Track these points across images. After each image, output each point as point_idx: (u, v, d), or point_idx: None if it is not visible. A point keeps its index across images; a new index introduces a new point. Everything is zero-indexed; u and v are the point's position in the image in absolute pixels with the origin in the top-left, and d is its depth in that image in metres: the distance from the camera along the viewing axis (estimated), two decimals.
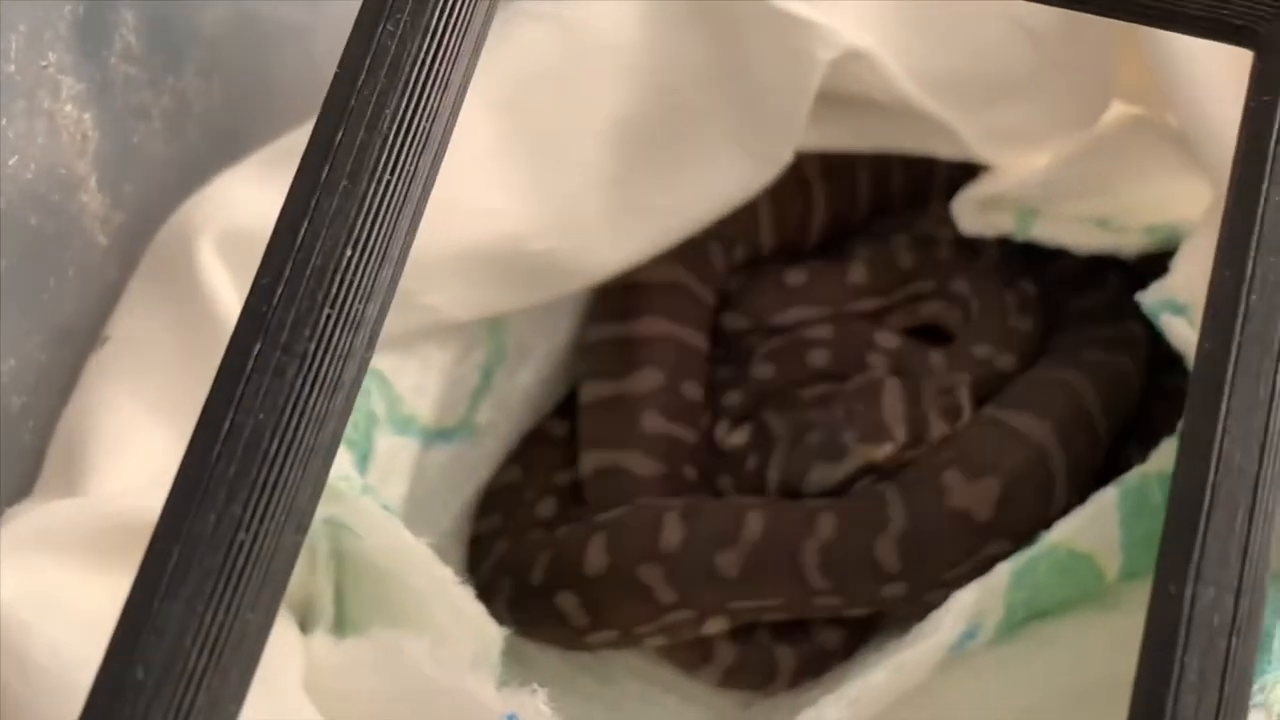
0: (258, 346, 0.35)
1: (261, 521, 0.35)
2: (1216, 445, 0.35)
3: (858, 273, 0.69)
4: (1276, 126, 0.38)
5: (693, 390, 0.67)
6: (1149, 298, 0.58)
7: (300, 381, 0.35)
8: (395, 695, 0.49)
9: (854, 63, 0.58)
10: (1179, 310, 0.57)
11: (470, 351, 0.63)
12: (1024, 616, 0.60)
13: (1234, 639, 0.34)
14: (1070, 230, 0.64)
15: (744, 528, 0.60)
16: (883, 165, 0.71)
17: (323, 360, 0.36)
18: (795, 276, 0.70)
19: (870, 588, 0.60)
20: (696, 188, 0.60)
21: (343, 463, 0.54)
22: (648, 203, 0.59)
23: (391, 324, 0.57)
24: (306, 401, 0.35)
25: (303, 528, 0.36)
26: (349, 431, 0.55)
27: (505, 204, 0.57)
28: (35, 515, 0.48)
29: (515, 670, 0.67)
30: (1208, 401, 0.36)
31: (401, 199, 0.37)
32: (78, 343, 0.53)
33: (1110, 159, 0.62)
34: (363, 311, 0.37)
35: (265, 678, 0.49)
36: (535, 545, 0.63)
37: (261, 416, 0.35)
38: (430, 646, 0.48)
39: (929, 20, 0.59)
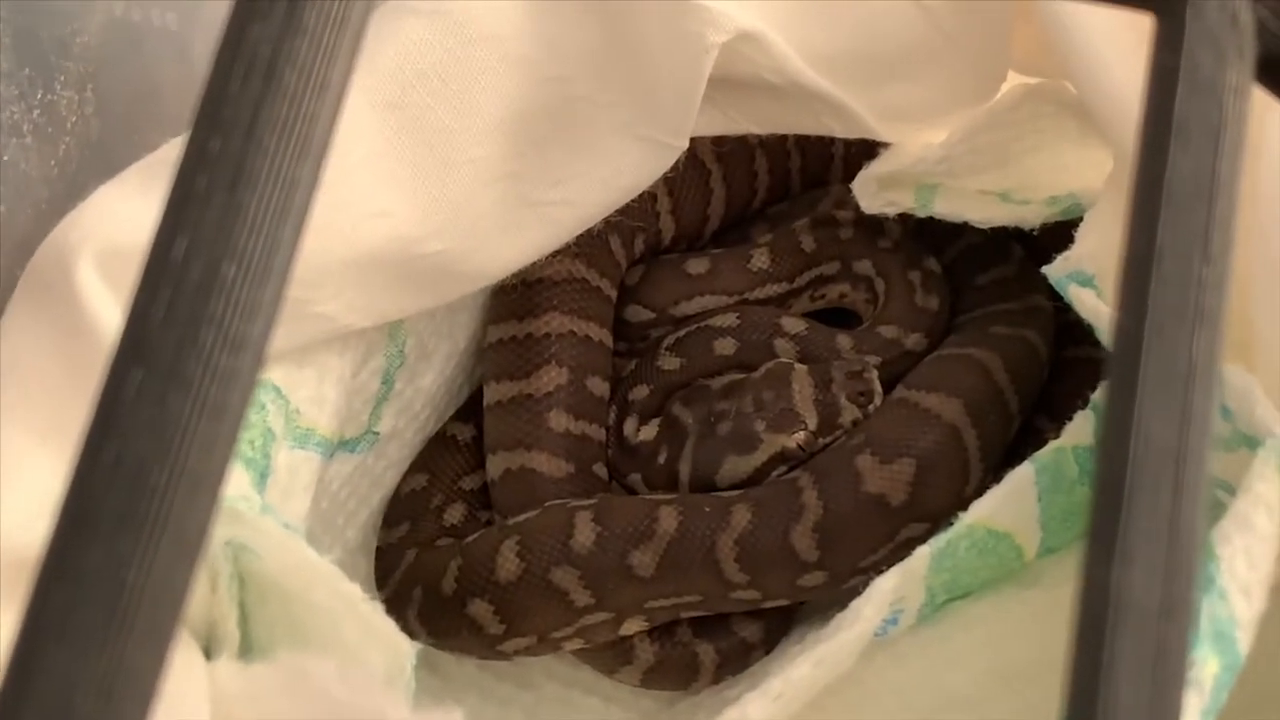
0: (137, 372, 0.33)
1: (151, 556, 0.33)
2: (1136, 421, 0.34)
3: (761, 258, 0.68)
4: (1179, 90, 0.37)
5: (598, 386, 0.65)
6: (1055, 270, 0.57)
7: (185, 407, 0.34)
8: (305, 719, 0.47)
9: (745, 44, 0.57)
10: (1086, 281, 0.57)
11: (369, 358, 0.61)
12: (945, 599, 0.59)
13: (1164, 622, 0.33)
14: (971, 204, 0.63)
15: (657, 524, 0.59)
16: (780, 148, 0.70)
17: (207, 384, 0.34)
18: (697, 265, 0.68)
19: (789, 578, 0.59)
20: (591, 180, 0.59)
21: (241, 482, 0.52)
22: (541, 197, 0.58)
23: (285, 335, 0.56)
24: (192, 428, 0.34)
25: (195, 560, 0.34)
26: (245, 449, 0.53)
27: (395, 206, 0.55)
28: None
29: (430, 681, 0.66)
30: (1125, 376, 0.35)
31: (283, 208, 0.36)
32: None
33: (1008, 131, 0.61)
34: (248, 330, 0.35)
35: (170, 705, 0.47)
36: (445, 553, 0.61)
37: (145, 446, 0.33)
38: (339, 667, 0.46)
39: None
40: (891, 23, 0.59)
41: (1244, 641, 0.45)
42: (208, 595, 0.53)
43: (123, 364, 0.34)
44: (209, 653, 0.53)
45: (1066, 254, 0.57)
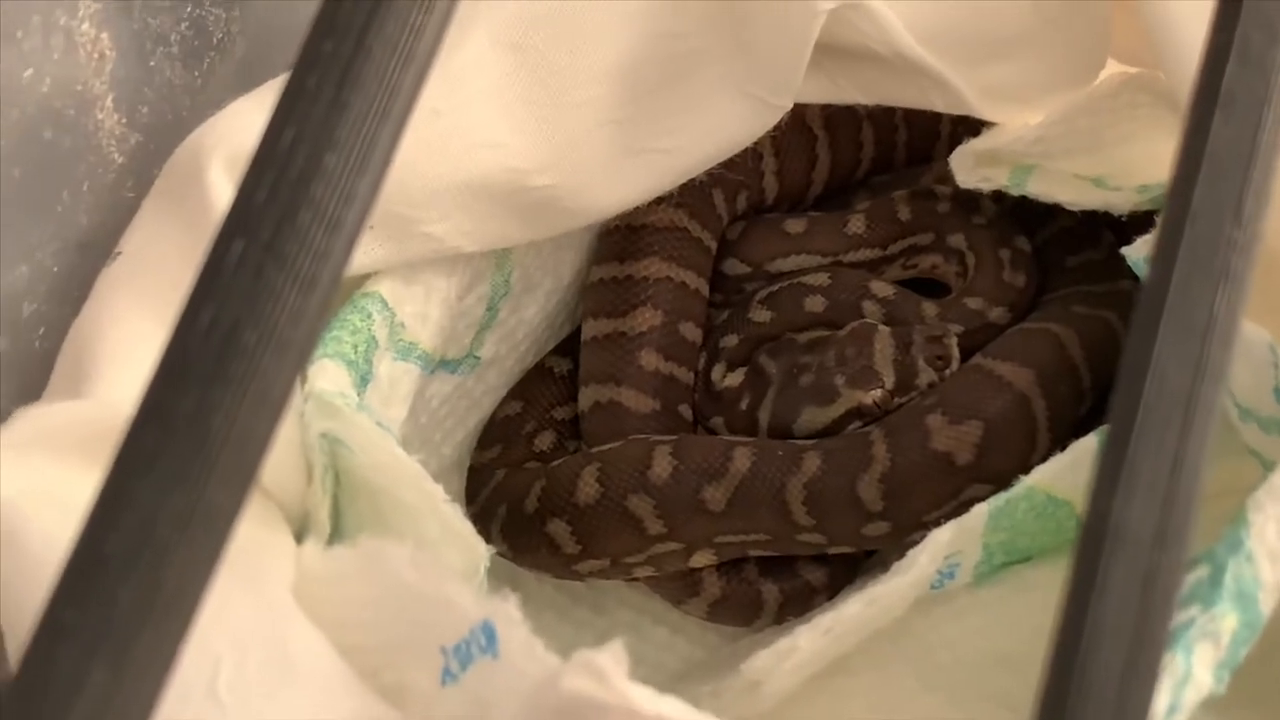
0: (239, 244, 0.37)
1: (236, 408, 0.36)
2: (1153, 364, 0.36)
3: (857, 224, 0.71)
4: (1230, 64, 0.39)
5: (690, 331, 0.68)
6: (1135, 251, 0.59)
7: (279, 278, 0.37)
8: (377, 600, 0.50)
9: (854, 13, 0.59)
10: None
11: (475, 285, 0.64)
12: (1003, 560, 0.62)
13: (1158, 551, 0.35)
14: (1064, 187, 0.65)
15: (732, 463, 0.62)
16: (887, 121, 0.73)
17: (301, 259, 0.37)
18: (795, 225, 0.71)
19: (853, 525, 0.61)
20: (696, 132, 0.61)
21: (341, 380, 0.55)
22: (648, 145, 0.61)
23: (394, 251, 0.59)
24: (284, 298, 0.37)
25: (276, 416, 0.38)
26: (349, 352, 0.57)
27: (508, 139, 0.58)
28: (40, 416, 0.50)
29: (520, 601, 0.69)
30: (1148, 323, 0.37)
31: (385, 110, 0.39)
32: (91, 256, 0.55)
33: (1105, 117, 0.63)
34: (343, 215, 0.38)
35: (256, 579, 0.51)
36: (530, 475, 0.65)
37: (239, 310, 0.36)
38: (412, 552, 0.49)
39: None
40: (997, 2, 0.61)
41: (1266, 604, 0.47)
42: (304, 485, 0.56)
43: (226, 236, 0.37)
44: (300, 538, 0.56)
45: (1146, 237, 0.59)
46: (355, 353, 0.57)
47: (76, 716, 0.33)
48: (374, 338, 0.58)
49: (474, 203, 0.59)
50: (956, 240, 0.70)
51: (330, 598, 0.52)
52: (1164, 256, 0.38)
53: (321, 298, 0.39)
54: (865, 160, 0.73)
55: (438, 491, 0.54)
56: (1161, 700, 0.43)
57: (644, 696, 0.41)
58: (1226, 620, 0.45)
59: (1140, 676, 0.35)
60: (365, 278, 0.59)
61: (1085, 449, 0.59)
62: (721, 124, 0.62)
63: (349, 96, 0.39)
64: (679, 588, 0.66)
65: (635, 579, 0.66)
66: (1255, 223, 0.39)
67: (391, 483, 0.54)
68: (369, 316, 0.58)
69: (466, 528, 0.54)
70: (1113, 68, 0.64)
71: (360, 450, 0.54)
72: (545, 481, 0.64)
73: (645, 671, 0.68)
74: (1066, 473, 0.59)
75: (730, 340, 0.69)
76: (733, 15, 0.60)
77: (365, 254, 0.58)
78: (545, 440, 0.68)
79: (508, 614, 0.47)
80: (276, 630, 0.48)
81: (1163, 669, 0.35)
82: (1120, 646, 0.35)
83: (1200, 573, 0.47)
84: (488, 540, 0.64)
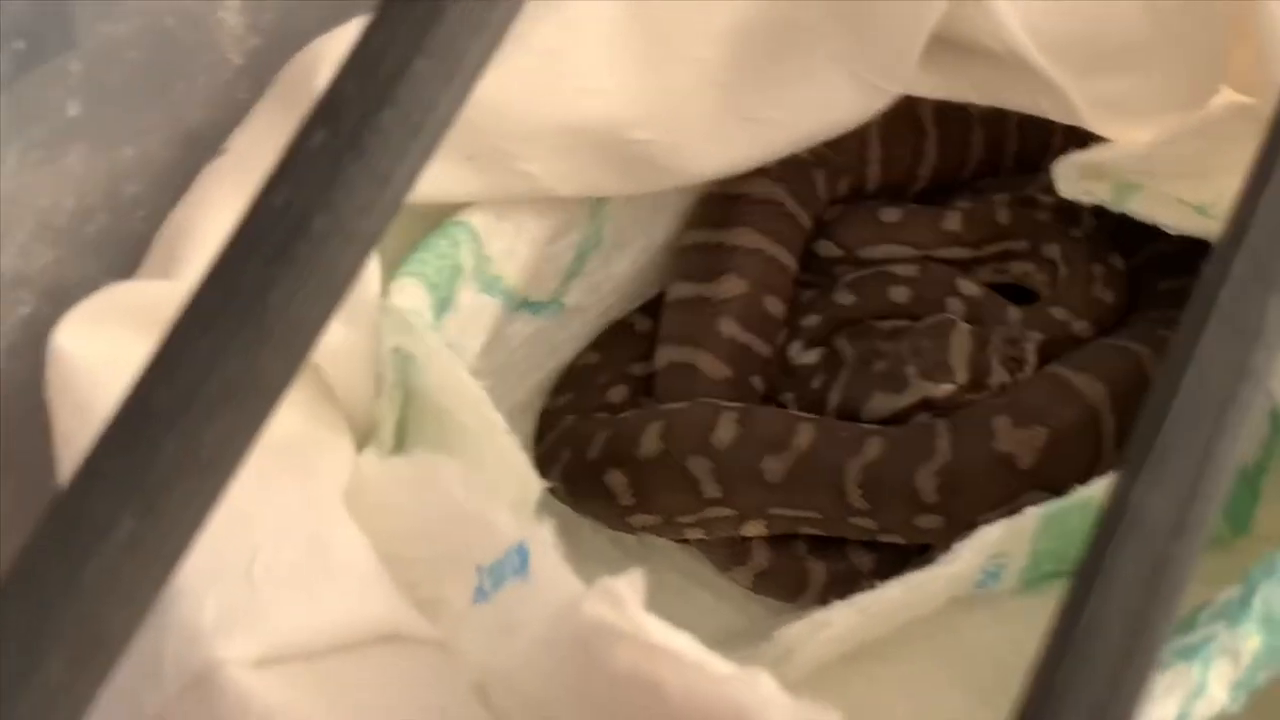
0: (321, 133, 0.38)
1: (296, 287, 0.37)
2: (1195, 361, 0.37)
3: (953, 221, 0.71)
4: None
5: (774, 305, 0.69)
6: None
7: (355, 170, 0.38)
8: (423, 513, 0.51)
9: (972, 7, 0.60)
10: None
11: (567, 230, 0.65)
12: (1051, 570, 0.61)
13: (1173, 540, 0.35)
14: (1167, 210, 0.64)
15: (794, 437, 0.62)
16: (999, 126, 0.73)
17: (379, 156, 0.38)
18: (891, 214, 0.72)
19: (906, 515, 0.62)
20: (802, 107, 0.62)
21: (419, 300, 0.57)
22: (752, 113, 0.62)
23: (488, 185, 0.60)
24: (357, 190, 0.38)
25: (334, 302, 0.39)
26: (431, 274, 0.58)
27: (614, 88, 0.59)
28: (125, 290, 0.52)
29: (564, 546, 0.70)
30: (1197, 319, 0.37)
31: (480, 22, 0.40)
32: (198, 150, 0.57)
33: (1214, 144, 0.63)
34: (424, 120, 0.39)
35: (308, 476, 0.52)
36: (598, 424, 0.66)
37: (314, 196, 0.38)
38: (463, 471, 0.50)
39: None
40: (1117, 13, 0.61)
41: None
42: (373, 398, 0.58)
43: (311, 125, 0.39)
44: (361, 448, 0.58)
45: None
46: (438, 276, 0.58)
47: (102, 559, 0.34)
48: (459, 266, 0.59)
49: (572, 147, 0.60)
50: (1051, 250, 0.70)
51: (379, 506, 0.53)
52: (1222, 257, 0.38)
53: (393, 196, 0.40)
54: (972, 162, 0.74)
55: (498, 420, 0.55)
56: (1171, 708, 0.44)
57: (657, 626, 0.42)
58: (1249, 641, 0.45)
59: (1138, 663, 0.35)
60: (458, 208, 0.61)
61: None
62: (828, 102, 0.62)
63: (445, 6, 0.40)
64: (727, 554, 0.66)
65: (685, 540, 0.67)
66: None
67: (455, 405, 0.55)
68: (456, 244, 0.59)
69: (521, 459, 0.55)
70: (1226, 95, 0.64)
71: (429, 369, 0.55)
72: (610, 431, 0.65)
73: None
74: None
75: (812, 320, 0.70)
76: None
77: (460, 184, 0.59)
78: (618, 393, 0.69)
79: (542, 538, 0.48)
80: (320, 527, 0.50)
81: (1160, 659, 0.35)
82: (1122, 630, 0.35)
83: (1232, 593, 0.47)
84: (549, 482, 0.66)
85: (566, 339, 0.70)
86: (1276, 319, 0.38)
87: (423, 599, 0.52)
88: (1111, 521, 0.36)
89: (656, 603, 0.69)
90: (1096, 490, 0.58)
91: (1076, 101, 0.63)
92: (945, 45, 0.62)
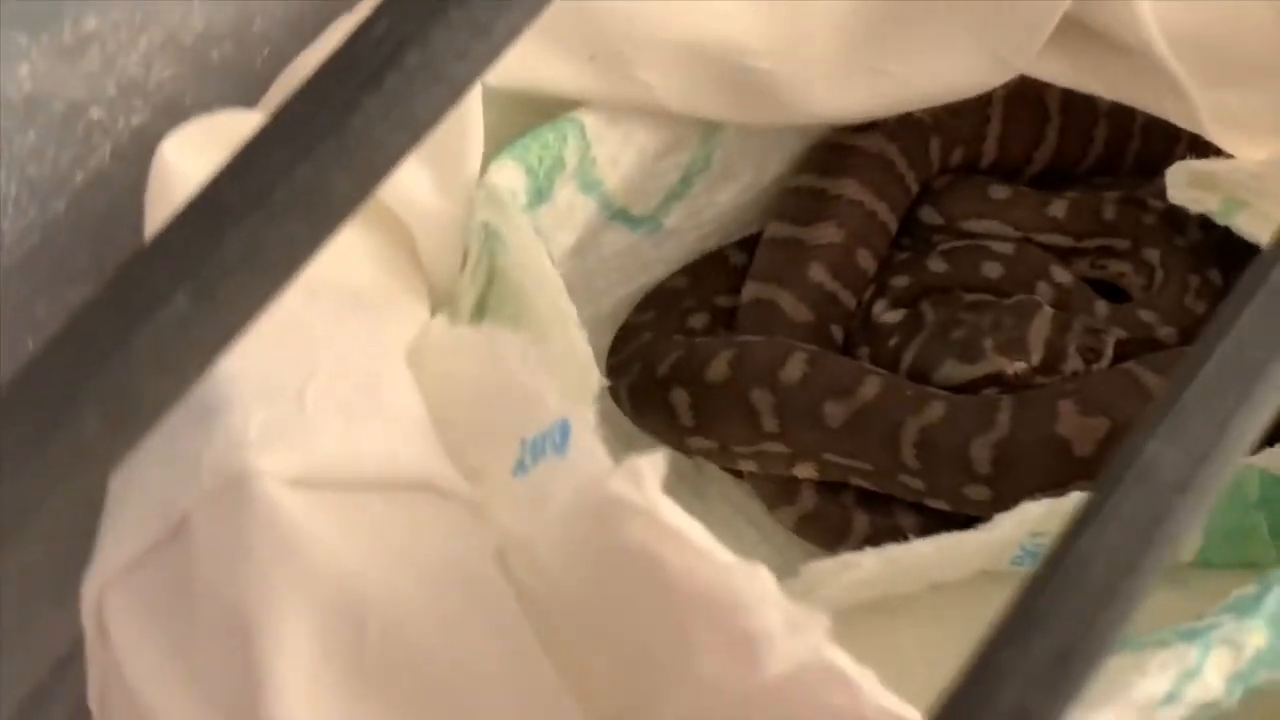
0: None
1: (379, 115, 0.38)
2: (1236, 329, 0.37)
3: (1059, 208, 0.71)
4: None
5: (866, 260, 0.70)
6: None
7: (456, 13, 0.39)
8: (479, 381, 0.53)
9: None
10: None
11: (676, 150, 0.66)
12: None
13: (1179, 496, 0.36)
14: (1271, 231, 0.64)
15: (860, 386, 0.63)
16: (1124, 124, 0.72)
17: (481, 7, 0.40)
18: (999, 191, 0.72)
19: (956, 482, 0.62)
20: (925, 66, 0.63)
21: (515, 181, 0.58)
22: (874, 63, 0.62)
23: (606, 86, 0.61)
24: (456, 35, 0.39)
25: (412, 138, 0.40)
26: (533, 162, 0.59)
27: (742, 14, 0.60)
28: (238, 118, 0.54)
29: (623, 456, 0.71)
30: (1247, 290, 0.38)
31: None
32: (335, 2, 0.58)
33: None
34: None
35: (377, 322, 0.54)
36: (673, 345, 0.67)
37: (413, 32, 0.39)
38: (523, 346, 0.52)
39: None
40: (1254, 28, 0.61)
41: None
42: (458, 269, 0.59)
43: None
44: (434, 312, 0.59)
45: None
46: (539, 165, 0.59)
47: (152, 329, 0.35)
48: (563, 160, 0.61)
49: (692, 65, 0.61)
50: (1152, 255, 0.70)
51: (441, 371, 0.55)
52: None
53: (491, 48, 0.41)
54: (1091, 158, 0.73)
55: (571, 312, 0.56)
56: (1163, 684, 0.44)
57: (670, 507, 0.43)
58: (1254, 635, 0.45)
59: (1119, 604, 0.36)
60: (573, 105, 0.62)
61: None
62: (951, 67, 0.63)
63: None
64: (776, 491, 0.67)
65: (739, 471, 0.68)
66: None
67: (533, 289, 0.57)
68: (564, 139, 0.61)
69: (586, 353, 0.56)
70: None
71: (513, 249, 0.57)
72: (682, 352, 0.66)
73: None
74: None
75: (901, 280, 0.70)
76: None
77: (578, 81, 0.61)
78: (700, 320, 0.70)
79: (585, 418, 0.49)
80: (379, 369, 0.51)
81: (1136, 605, 0.36)
82: (1108, 569, 0.36)
83: (1248, 589, 0.47)
84: (615, 395, 0.67)
85: (659, 259, 0.71)
86: None
87: (467, 465, 0.53)
88: (1120, 468, 0.36)
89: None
90: None
91: (1201, 109, 0.63)
92: (1078, 32, 0.62)
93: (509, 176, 0.58)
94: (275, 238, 0.37)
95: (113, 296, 0.36)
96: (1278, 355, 0.37)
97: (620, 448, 0.71)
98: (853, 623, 0.62)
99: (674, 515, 0.42)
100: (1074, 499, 0.58)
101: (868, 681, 0.41)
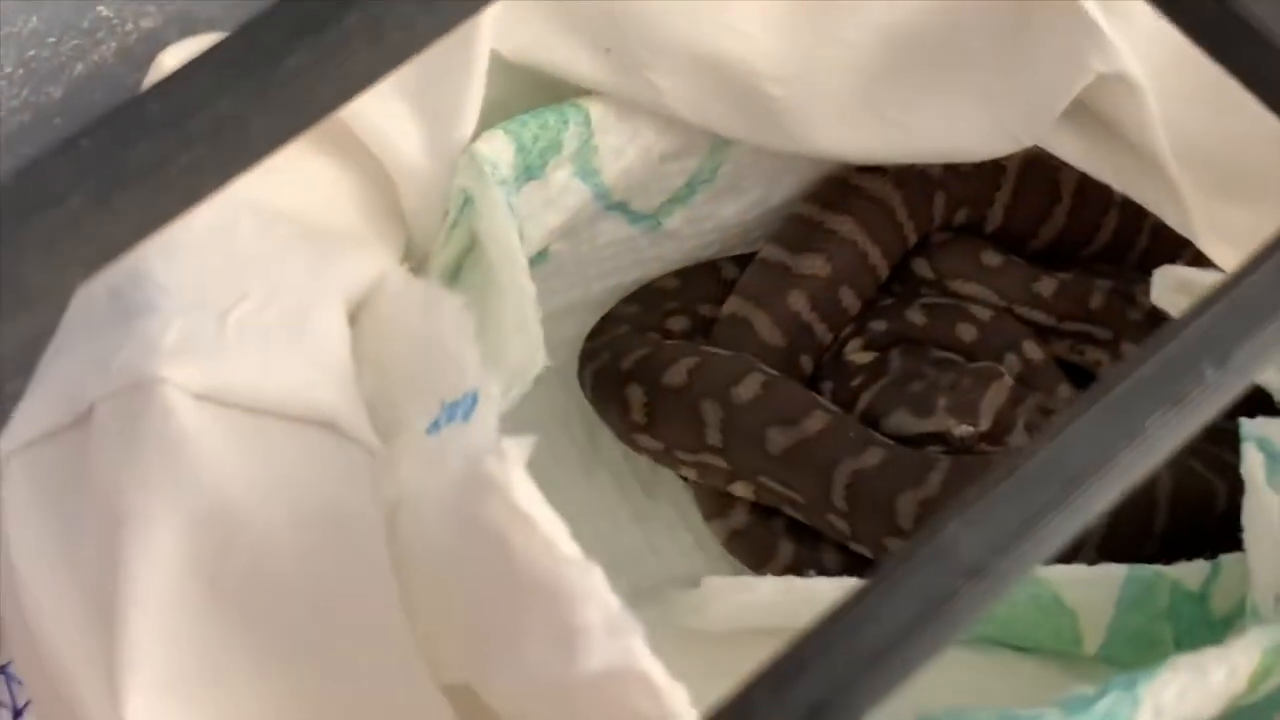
0: None
1: (308, 65, 0.40)
2: (1065, 435, 0.38)
3: (1047, 286, 0.72)
4: None
5: (849, 298, 0.71)
6: (1254, 427, 0.58)
7: None
8: (417, 337, 0.54)
9: (1120, 87, 0.60)
10: (1274, 455, 0.58)
11: (682, 155, 0.67)
12: (996, 634, 0.62)
13: (967, 578, 0.36)
14: None
15: (806, 419, 0.64)
16: (1135, 220, 0.73)
17: None
18: (991, 258, 0.73)
19: (878, 530, 0.63)
20: (934, 123, 0.63)
21: (502, 152, 0.59)
22: (883, 110, 0.63)
23: (617, 82, 0.63)
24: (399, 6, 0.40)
25: (343, 94, 0.41)
26: (526, 139, 0.60)
27: (760, 35, 0.61)
28: None
29: (584, 446, 0.73)
30: (1084, 401, 0.38)
31: None
32: None
33: None
34: None
35: (325, 262, 0.56)
36: (644, 341, 0.68)
37: None
38: (462, 309, 0.53)
39: (1209, 86, 0.60)
40: (1260, 141, 0.61)
41: None
42: (436, 228, 0.61)
43: None
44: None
45: (1272, 420, 0.58)
46: (532, 144, 0.61)
47: (44, 225, 0.37)
48: (560, 143, 0.62)
49: (704, 77, 0.62)
50: (1132, 351, 0.70)
51: (388, 318, 0.57)
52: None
53: (438, 24, 0.42)
54: (1097, 245, 0.74)
55: (530, 290, 0.58)
56: None
57: (527, 493, 0.44)
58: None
59: (883, 671, 0.36)
60: (583, 92, 0.63)
61: (1113, 575, 0.60)
62: (959, 130, 0.63)
63: None
64: (713, 503, 0.69)
65: (682, 476, 0.69)
66: None
67: (497, 259, 0.58)
68: (565, 123, 0.62)
69: (536, 331, 0.57)
70: None
71: (483, 217, 0.58)
72: (649, 351, 0.67)
73: (654, 563, 0.72)
74: (1085, 585, 0.60)
75: (879, 325, 0.71)
76: (1015, 37, 0.61)
77: (590, 70, 0.62)
78: (680, 324, 0.71)
79: (491, 392, 0.50)
80: (311, 306, 0.53)
81: (906, 674, 0.37)
82: (879, 639, 0.37)
83: (1085, 689, 0.48)
84: (580, 378, 0.69)
85: (655, 257, 0.72)
86: (1158, 427, 0.39)
87: (392, 416, 0.55)
88: (919, 542, 0.37)
89: (643, 527, 0.72)
90: (1053, 573, 0.59)
91: (1196, 217, 0.63)
92: (1092, 117, 0.63)
93: (495, 147, 0.59)
94: (184, 160, 0.39)
95: (16, 187, 0.37)
96: (1099, 468, 0.38)
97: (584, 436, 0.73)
98: (741, 643, 0.63)
99: (528, 500, 0.44)
100: None
101: (676, 694, 0.43)
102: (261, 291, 0.51)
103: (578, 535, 0.71)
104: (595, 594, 0.43)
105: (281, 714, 0.47)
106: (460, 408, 0.51)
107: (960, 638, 0.37)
